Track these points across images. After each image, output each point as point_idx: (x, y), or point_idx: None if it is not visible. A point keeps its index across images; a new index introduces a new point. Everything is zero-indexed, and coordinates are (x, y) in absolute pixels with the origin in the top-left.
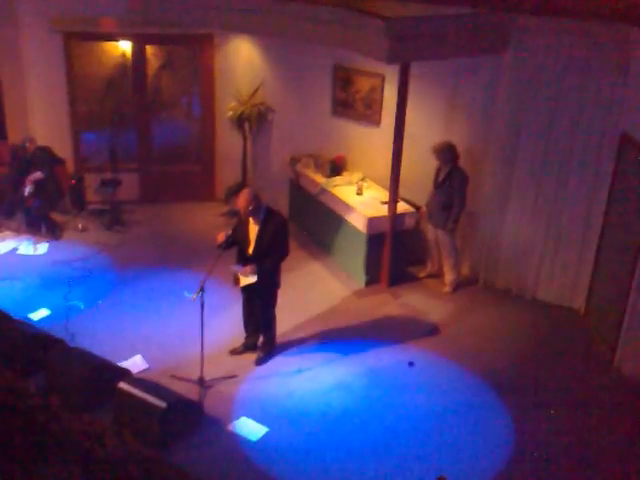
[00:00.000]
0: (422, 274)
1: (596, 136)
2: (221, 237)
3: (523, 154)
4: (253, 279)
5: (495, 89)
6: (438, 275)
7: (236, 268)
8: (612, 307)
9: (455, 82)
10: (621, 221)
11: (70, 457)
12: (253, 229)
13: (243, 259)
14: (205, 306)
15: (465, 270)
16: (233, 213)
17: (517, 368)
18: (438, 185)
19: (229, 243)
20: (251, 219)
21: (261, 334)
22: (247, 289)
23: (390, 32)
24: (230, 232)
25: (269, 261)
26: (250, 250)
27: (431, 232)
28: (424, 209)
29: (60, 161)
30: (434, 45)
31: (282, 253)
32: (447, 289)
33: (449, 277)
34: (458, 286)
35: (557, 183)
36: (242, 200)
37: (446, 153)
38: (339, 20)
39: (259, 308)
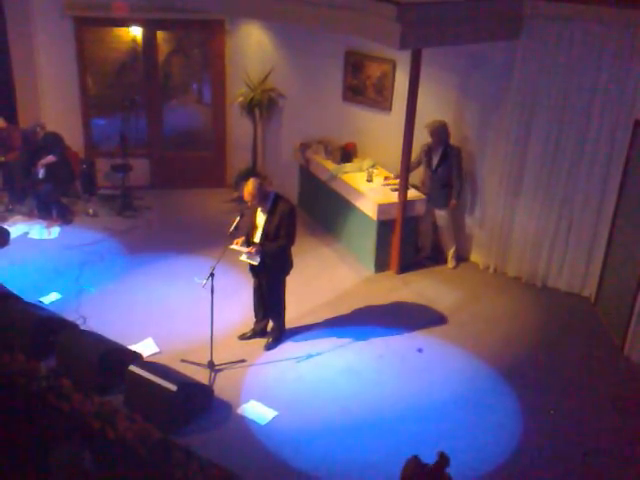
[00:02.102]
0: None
1: (609, 123)
2: (238, 243)
3: (535, 141)
4: (255, 261)
5: (507, 76)
6: (433, 257)
7: (240, 247)
8: (623, 295)
9: (467, 68)
10: (633, 208)
11: (81, 438)
12: (260, 216)
13: (248, 245)
14: (215, 291)
15: (477, 257)
16: (242, 199)
17: (527, 355)
18: (436, 167)
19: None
20: (259, 207)
21: (271, 320)
22: (257, 275)
23: (402, 18)
24: (240, 218)
25: (274, 245)
26: (256, 237)
27: (427, 214)
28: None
29: (67, 148)
30: (446, 31)
31: (288, 240)
32: (452, 264)
33: (451, 252)
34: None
35: (569, 170)
36: (247, 192)
37: (442, 133)
38: (350, 5)
39: (269, 294)
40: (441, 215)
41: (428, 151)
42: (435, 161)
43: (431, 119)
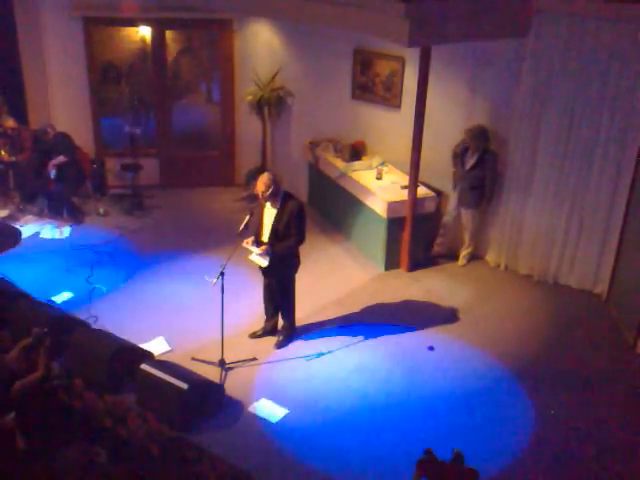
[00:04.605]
0: (432, 253)
1: (620, 120)
2: (248, 242)
3: (546, 139)
4: (265, 262)
5: (517, 73)
6: (447, 255)
7: (251, 247)
8: (635, 292)
9: (476, 66)
10: None
11: (93, 437)
12: (268, 214)
13: (258, 243)
14: (225, 290)
15: (488, 255)
16: (252, 198)
17: (538, 353)
18: (469, 168)
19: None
20: (268, 203)
21: (281, 318)
22: (266, 274)
23: (411, 15)
24: (249, 217)
25: (284, 245)
26: (263, 235)
27: (452, 213)
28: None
29: (77, 148)
30: (455, 28)
31: (298, 238)
32: (463, 262)
33: (466, 252)
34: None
35: (580, 167)
36: (261, 183)
37: (481, 138)
38: (359, 3)
39: (278, 292)
40: (467, 215)
41: (463, 151)
42: (470, 163)
43: (440, 116)
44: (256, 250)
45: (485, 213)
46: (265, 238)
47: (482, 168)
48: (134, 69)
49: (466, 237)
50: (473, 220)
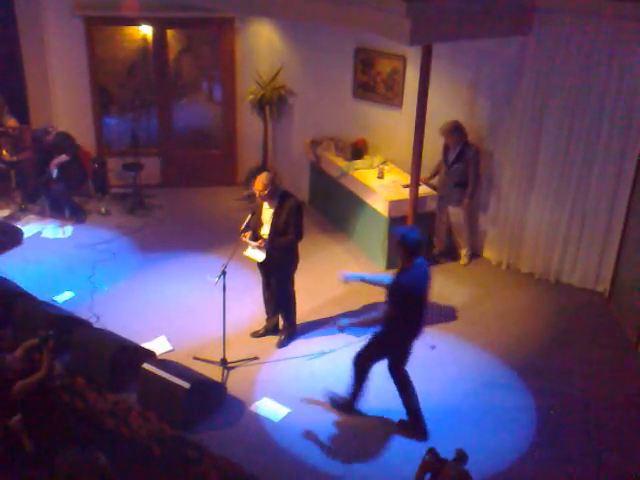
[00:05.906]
0: (434, 252)
1: (622, 118)
2: (246, 236)
3: (547, 136)
4: (261, 257)
5: (519, 71)
6: (447, 254)
7: (248, 241)
8: (637, 290)
9: (478, 64)
10: None
11: (95, 436)
12: (266, 212)
13: (256, 239)
14: (227, 289)
15: (489, 253)
16: (253, 197)
17: (540, 352)
18: (451, 163)
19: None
20: (265, 203)
21: (281, 317)
22: (264, 272)
23: (412, 13)
24: (251, 216)
25: (282, 240)
26: (261, 233)
27: (441, 211)
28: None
29: (78, 147)
30: (457, 26)
31: (295, 236)
32: (465, 261)
33: (464, 250)
34: (471, 258)
35: (582, 165)
36: (258, 184)
37: (455, 133)
38: (360, 1)
39: (277, 291)
40: (454, 213)
41: (446, 148)
42: (451, 158)
43: (442, 115)
44: (253, 243)
45: (474, 211)
46: (264, 236)
47: (463, 162)
48: (136, 68)
49: (459, 237)
50: (461, 218)
